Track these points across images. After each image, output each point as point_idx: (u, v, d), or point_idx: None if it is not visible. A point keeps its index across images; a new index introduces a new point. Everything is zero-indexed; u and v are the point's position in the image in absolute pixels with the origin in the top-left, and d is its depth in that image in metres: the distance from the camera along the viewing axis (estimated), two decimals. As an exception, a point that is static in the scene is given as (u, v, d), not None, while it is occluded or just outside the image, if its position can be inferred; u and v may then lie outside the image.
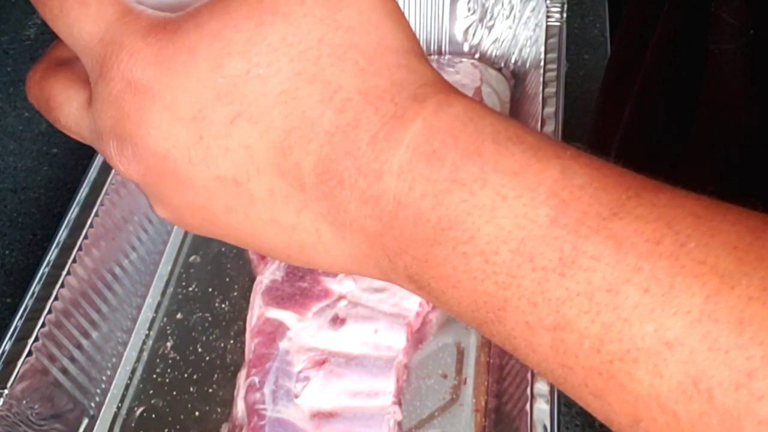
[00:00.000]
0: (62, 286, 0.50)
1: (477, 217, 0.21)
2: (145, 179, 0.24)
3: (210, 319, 0.58)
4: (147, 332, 0.57)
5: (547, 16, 0.66)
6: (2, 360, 0.47)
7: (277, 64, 0.22)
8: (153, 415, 0.53)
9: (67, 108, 0.25)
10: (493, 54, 0.73)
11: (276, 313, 0.53)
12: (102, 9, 0.23)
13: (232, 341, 0.56)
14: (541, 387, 0.46)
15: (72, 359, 0.51)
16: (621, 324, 0.19)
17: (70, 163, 0.71)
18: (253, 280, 0.57)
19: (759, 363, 0.18)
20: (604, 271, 0.19)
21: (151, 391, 0.54)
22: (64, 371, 0.50)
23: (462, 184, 0.21)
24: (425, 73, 0.23)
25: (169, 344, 0.57)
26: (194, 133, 0.22)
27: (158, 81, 0.22)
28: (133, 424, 0.53)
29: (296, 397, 0.50)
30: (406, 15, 0.82)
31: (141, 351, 0.56)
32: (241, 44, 0.22)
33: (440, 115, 0.21)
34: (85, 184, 0.56)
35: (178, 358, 0.56)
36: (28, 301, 0.49)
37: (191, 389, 0.54)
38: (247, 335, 0.53)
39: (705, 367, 0.18)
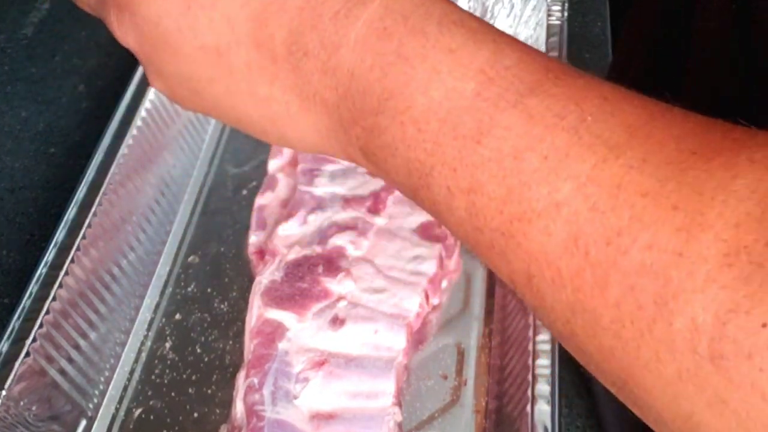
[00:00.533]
0: (60, 286, 0.50)
1: (414, 89, 0.23)
2: (140, 47, 0.27)
3: (209, 319, 0.57)
4: (145, 333, 0.57)
5: (548, 15, 0.66)
6: (-1, 361, 0.47)
7: None
8: (151, 417, 0.53)
9: None
10: (493, 53, 0.73)
11: (275, 314, 0.53)
12: None
13: (231, 342, 0.56)
14: (542, 388, 0.46)
15: (70, 360, 0.51)
16: (521, 187, 0.21)
17: (68, 163, 0.71)
18: (252, 280, 0.57)
19: (627, 222, 0.19)
20: (513, 140, 0.21)
21: (149, 393, 0.54)
22: (62, 372, 0.50)
23: (405, 58, 0.23)
24: None
25: (167, 345, 0.56)
26: (184, 3, 0.25)
27: None
28: (131, 426, 0.52)
29: (295, 398, 0.49)
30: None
31: (139, 352, 0.56)
32: None
33: None
34: (83, 184, 0.55)
35: (176, 359, 0.55)
36: (25, 301, 0.49)
37: (190, 390, 0.54)
38: (246, 336, 0.53)
39: (584, 226, 0.20)
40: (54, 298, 0.50)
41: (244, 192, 0.66)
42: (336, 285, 0.54)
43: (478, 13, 0.72)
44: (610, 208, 0.20)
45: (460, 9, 0.25)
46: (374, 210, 0.59)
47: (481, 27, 0.24)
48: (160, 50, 0.27)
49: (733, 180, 0.19)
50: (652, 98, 0.22)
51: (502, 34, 0.24)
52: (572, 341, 0.22)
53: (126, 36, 0.27)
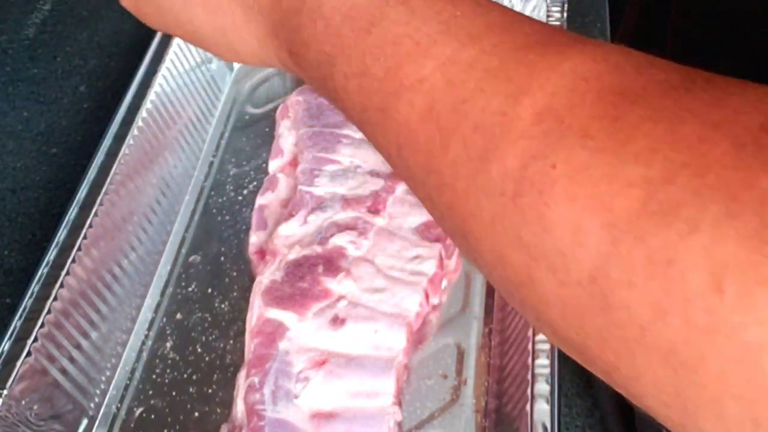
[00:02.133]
0: (61, 286, 0.50)
1: None
2: None
3: (209, 319, 0.58)
4: (146, 333, 0.57)
5: (548, 16, 0.66)
6: (1, 360, 0.47)
7: None
8: (152, 416, 0.53)
9: None
10: (493, 54, 0.73)
11: (276, 314, 0.53)
12: None
13: (231, 342, 0.56)
14: (542, 388, 0.46)
15: (71, 360, 0.51)
16: (396, 68, 0.25)
17: (70, 163, 0.71)
18: (252, 280, 0.57)
19: (471, 92, 0.23)
20: (395, 30, 0.25)
21: (150, 392, 0.54)
22: (63, 372, 0.50)
23: None
24: None
25: (168, 345, 0.57)
26: None
27: None
28: (132, 425, 0.53)
29: (296, 397, 0.50)
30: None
31: (140, 351, 0.56)
32: None
33: None
34: (84, 184, 0.56)
35: (177, 358, 0.56)
36: (27, 301, 0.49)
37: (191, 390, 0.54)
38: (247, 336, 0.53)
39: (438, 96, 0.24)
40: (55, 298, 0.50)
41: (245, 192, 0.66)
42: (336, 285, 0.54)
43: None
44: (461, 82, 0.23)
45: None
46: (374, 210, 0.59)
47: None
48: None
49: (560, 64, 0.22)
50: (519, 12, 0.26)
51: None
52: (429, 204, 0.26)
53: None
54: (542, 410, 0.45)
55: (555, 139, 0.21)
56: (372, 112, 0.26)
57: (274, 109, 0.71)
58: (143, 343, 0.57)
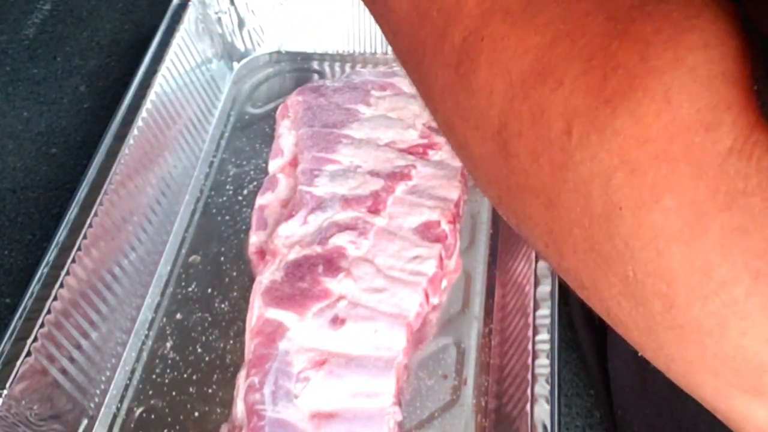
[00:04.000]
0: (61, 286, 0.50)
1: None
2: None
3: (209, 319, 0.58)
4: (146, 333, 0.57)
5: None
6: (1, 360, 0.47)
7: None
8: (152, 416, 0.53)
9: None
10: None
11: (275, 314, 0.53)
12: None
13: (231, 342, 0.56)
14: (542, 388, 0.46)
15: (71, 359, 0.51)
16: None
17: (69, 163, 0.71)
18: (252, 280, 0.57)
19: None
20: None
21: (150, 392, 0.54)
22: (63, 372, 0.50)
23: None
24: None
25: (168, 345, 0.57)
26: None
27: None
28: (132, 425, 0.53)
29: (296, 397, 0.50)
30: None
31: (140, 351, 0.56)
32: None
33: None
34: (84, 184, 0.56)
35: (177, 358, 0.56)
36: (27, 301, 0.49)
37: (191, 390, 0.54)
38: (247, 336, 0.53)
39: None
40: (55, 298, 0.50)
41: (245, 192, 0.66)
42: (336, 285, 0.54)
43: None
44: None
45: None
46: (374, 210, 0.59)
47: None
48: None
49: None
50: None
51: None
52: (416, 86, 0.29)
53: None
54: (542, 410, 0.45)
55: (488, 17, 0.24)
56: (377, 5, 0.30)
57: (274, 109, 0.71)
58: (143, 343, 0.57)
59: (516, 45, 0.23)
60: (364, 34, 0.75)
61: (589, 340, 0.53)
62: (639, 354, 0.23)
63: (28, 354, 0.47)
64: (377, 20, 0.31)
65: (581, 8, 0.22)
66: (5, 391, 0.46)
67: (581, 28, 0.22)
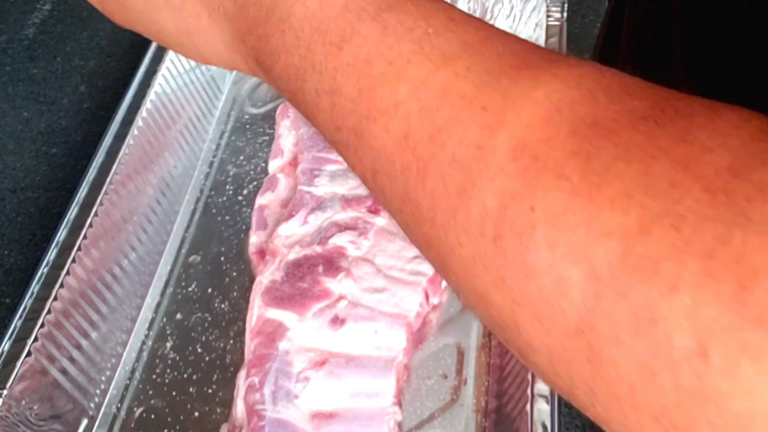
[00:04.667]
0: (61, 286, 0.50)
1: (294, 0, 0.26)
2: None
3: (209, 319, 0.58)
4: (146, 333, 0.57)
5: (548, 16, 0.66)
6: (1, 360, 0.47)
7: None
8: (152, 416, 0.53)
9: None
10: (493, 54, 0.73)
11: (276, 314, 0.53)
12: None
13: (231, 342, 0.56)
14: (542, 387, 0.46)
15: (71, 360, 0.51)
16: (370, 89, 0.24)
17: (69, 163, 0.71)
18: (252, 280, 0.57)
19: (446, 120, 0.22)
20: (368, 48, 0.24)
21: (150, 392, 0.54)
22: (64, 372, 0.50)
23: None
24: None
25: (168, 345, 0.57)
26: None
27: None
28: (132, 425, 0.53)
29: (296, 397, 0.50)
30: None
31: (140, 351, 0.56)
32: None
33: None
34: (84, 184, 0.56)
35: (177, 358, 0.56)
36: (27, 301, 0.49)
37: (191, 390, 0.54)
38: (247, 336, 0.53)
39: (414, 124, 0.23)
40: (55, 298, 0.50)
41: (245, 192, 0.66)
42: (336, 285, 0.54)
43: (477, 14, 0.72)
44: (436, 108, 0.23)
45: None
46: (374, 210, 0.59)
47: None
48: None
49: (534, 90, 0.22)
50: (492, 26, 0.25)
51: None
52: (407, 231, 0.25)
53: None
54: (542, 410, 0.45)
55: (532, 178, 0.20)
56: (346, 133, 0.25)
57: (274, 109, 0.71)
58: (143, 343, 0.57)
59: (589, 224, 0.19)
60: (364, 34, 0.75)
61: None
62: None
63: (29, 354, 0.47)
64: (338, 149, 0.27)
65: (662, 175, 0.18)
66: (5, 391, 0.46)
67: (675, 206, 0.18)
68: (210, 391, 0.54)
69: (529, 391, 0.46)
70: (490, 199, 0.21)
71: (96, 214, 0.54)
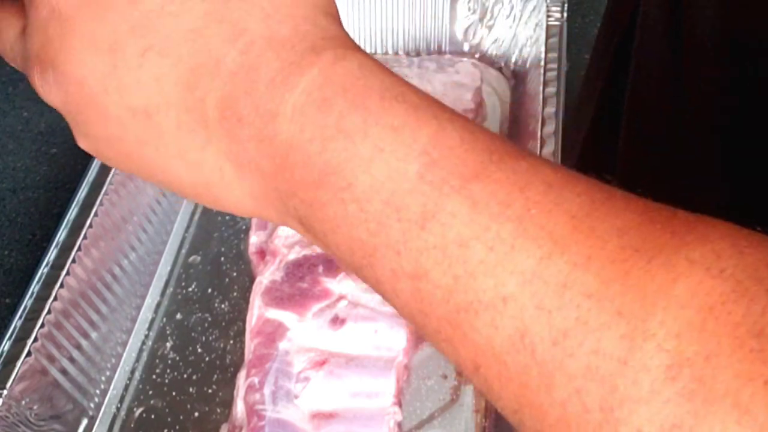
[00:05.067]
0: (61, 286, 0.50)
1: (356, 166, 0.22)
2: (65, 106, 0.25)
3: (209, 319, 0.58)
4: (146, 333, 0.57)
5: (548, 16, 0.66)
6: (1, 360, 0.47)
7: (189, 3, 0.24)
8: (152, 416, 0.53)
9: (5, 35, 0.27)
10: (494, 54, 0.73)
11: (276, 314, 0.53)
12: None
13: (231, 342, 0.56)
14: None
15: (71, 360, 0.51)
16: (467, 277, 0.21)
17: (69, 163, 0.71)
18: (252, 280, 0.57)
19: (573, 323, 0.19)
20: (458, 228, 0.21)
21: (150, 392, 0.54)
22: (64, 372, 0.50)
23: (346, 133, 0.22)
24: (329, 29, 0.25)
25: (168, 345, 0.57)
26: (109, 63, 0.24)
27: (80, 10, 0.24)
28: (132, 425, 0.53)
29: (296, 397, 0.50)
30: (407, 15, 0.81)
31: (140, 351, 0.56)
32: None
33: (336, 67, 0.23)
34: (84, 184, 0.56)
35: (177, 358, 0.56)
36: (27, 301, 0.49)
37: (191, 390, 0.54)
38: (247, 336, 0.53)
39: (531, 323, 0.20)
40: (55, 298, 0.50)
41: (245, 192, 0.66)
42: (336, 285, 0.54)
43: (477, 14, 0.72)
44: (557, 308, 0.20)
45: (400, 81, 0.24)
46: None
47: (422, 102, 0.23)
48: (87, 111, 0.25)
49: (673, 284, 0.19)
50: (593, 180, 0.22)
51: (443, 108, 0.23)
52: (522, 428, 0.22)
53: (50, 95, 0.25)
54: (542, 410, 0.45)
55: (699, 405, 0.18)
56: (435, 321, 0.22)
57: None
58: (143, 343, 0.57)
59: None
60: (364, 34, 0.75)
61: None
62: None
63: (29, 354, 0.47)
64: (423, 333, 0.23)
65: None
66: (5, 392, 0.46)
67: None
68: (210, 391, 0.54)
69: (529, 391, 0.46)
70: (647, 425, 0.18)
71: (96, 214, 0.54)
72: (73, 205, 0.54)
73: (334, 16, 0.25)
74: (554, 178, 0.22)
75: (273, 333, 0.52)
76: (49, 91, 0.25)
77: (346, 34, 0.25)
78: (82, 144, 0.27)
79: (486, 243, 0.21)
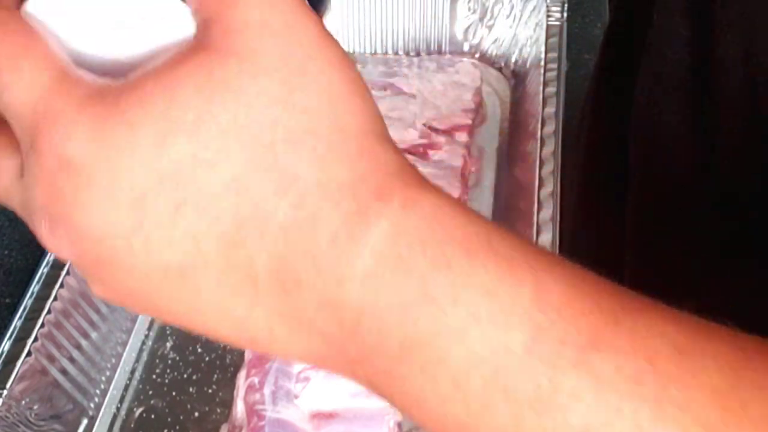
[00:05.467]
0: (61, 286, 0.50)
1: (447, 338, 0.19)
2: (80, 261, 0.22)
3: (209, 319, 0.58)
4: (146, 332, 0.57)
5: (548, 16, 0.66)
6: (1, 360, 0.47)
7: (227, 148, 0.20)
8: (152, 416, 0.53)
9: None
10: (494, 54, 0.73)
11: (276, 314, 0.53)
12: (36, 75, 0.21)
13: (231, 341, 0.56)
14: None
15: (71, 360, 0.51)
16: None
17: (70, 163, 0.71)
18: (252, 280, 0.57)
19: None
20: (583, 412, 0.18)
21: (150, 392, 0.54)
22: (64, 372, 0.50)
23: (432, 299, 0.19)
24: (389, 161, 0.21)
25: (168, 344, 0.57)
26: (135, 219, 0.20)
27: (95, 160, 0.20)
28: (132, 425, 0.53)
29: (296, 397, 0.50)
30: (407, 15, 0.81)
31: (140, 351, 0.56)
32: (189, 124, 0.20)
33: (408, 215, 0.20)
34: (84, 184, 0.55)
35: (177, 358, 0.56)
36: (27, 301, 0.49)
37: (191, 390, 0.54)
38: (247, 336, 0.53)
39: None
40: (55, 298, 0.50)
41: (245, 192, 0.66)
42: (336, 285, 0.54)
43: (477, 14, 0.72)
44: None
45: (481, 220, 0.21)
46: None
47: (513, 251, 0.20)
48: (107, 268, 0.21)
49: None
50: (723, 331, 0.20)
51: (536, 253, 0.20)
52: None
53: (60, 250, 0.22)
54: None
55: None
56: None
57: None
58: (143, 342, 0.57)
59: None
60: (364, 34, 0.75)
61: None
62: None
63: (29, 354, 0.47)
64: None
65: None
66: (5, 391, 0.46)
67: None
68: (210, 391, 0.54)
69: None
70: None
71: (96, 214, 0.54)
72: (73, 205, 0.54)
73: (388, 138, 0.22)
74: (682, 340, 0.19)
75: (273, 333, 0.52)
76: (60, 246, 0.22)
77: (405, 160, 0.22)
78: (98, 293, 0.23)
79: (621, 431, 0.18)
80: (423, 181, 0.21)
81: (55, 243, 0.22)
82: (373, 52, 0.75)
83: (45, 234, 0.22)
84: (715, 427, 0.18)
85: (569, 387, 0.18)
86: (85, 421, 0.52)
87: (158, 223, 0.20)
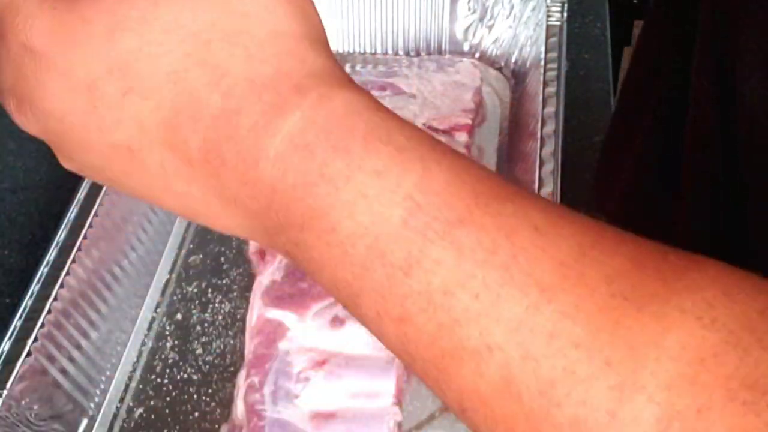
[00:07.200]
0: (61, 286, 0.50)
1: (339, 211, 0.22)
2: (46, 136, 0.26)
3: (209, 319, 0.58)
4: (146, 333, 0.57)
5: (548, 16, 0.66)
6: (1, 360, 0.47)
7: (168, 44, 0.23)
8: (152, 416, 0.53)
9: None
10: (494, 53, 0.73)
11: (276, 314, 0.53)
12: None
13: (231, 342, 0.56)
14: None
15: (71, 360, 0.51)
16: (452, 324, 0.21)
17: (70, 163, 0.71)
18: (252, 280, 0.57)
19: (560, 373, 0.19)
20: (443, 275, 0.21)
21: (150, 392, 0.54)
22: (64, 372, 0.50)
23: (329, 179, 0.22)
24: (315, 62, 0.24)
25: (168, 345, 0.57)
26: (88, 102, 0.24)
27: (54, 49, 0.23)
28: (132, 425, 0.53)
29: (296, 397, 0.50)
30: (407, 15, 0.81)
31: (140, 351, 0.56)
32: (135, 21, 0.23)
33: (319, 109, 0.23)
34: (84, 184, 0.56)
35: (177, 358, 0.56)
36: (27, 301, 0.49)
37: (190, 390, 0.54)
38: (247, 336, 0.53)
39: (517, 372, 0.20)
40: (55, 298, 0.50)
41: (245, 192, 0.66)
42: (336, 285, 0.54)
43: (477, 14, 0.72)
44: (544, 357, 0.20)
45: (388, 118, 0.23)
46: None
47: (409, 143, 0.23)
48: (69, 143, 0.25)
49: (664, 334, 0.19)
50: (584, 220, 0.22)
51: (432, 147, 0.23)
52: None
53: (28, 126, 0.25)
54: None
55: None
56: (421, 363, 0.22)
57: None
58: (143, 343, 0.57)
59: None
60: (364, 34, 0.75)
61: None
62: None
63: (29, 354, 0.47)
64: (411, 368, 0.24)
65: None
66: (5, 392, 0.46)
67: None
68: (210, 391, 0.54)
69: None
70: None
71: (96, 214, 0.54)
72: (73, 205, 0.54)
73: (323, 43, 0.25)
74: (542, 222, 0.21)
75: (273, 333, 0.52)
76: (27, 122, 0.25)
77: (335, 64, 0.24)
78: (67, 166, 0.27)
79: (471, 291, 0.21)
80: (347, 83, 0.24)
81: (22, 120, 0.25)
82: (373, 52, 0.75)
83: (13, 111, 0.25)
84: (551, 289, 0.20)
85: (434, 254, 0.21)
86: (85, 421, 0.52)
87: (109, 106, 0.23)
